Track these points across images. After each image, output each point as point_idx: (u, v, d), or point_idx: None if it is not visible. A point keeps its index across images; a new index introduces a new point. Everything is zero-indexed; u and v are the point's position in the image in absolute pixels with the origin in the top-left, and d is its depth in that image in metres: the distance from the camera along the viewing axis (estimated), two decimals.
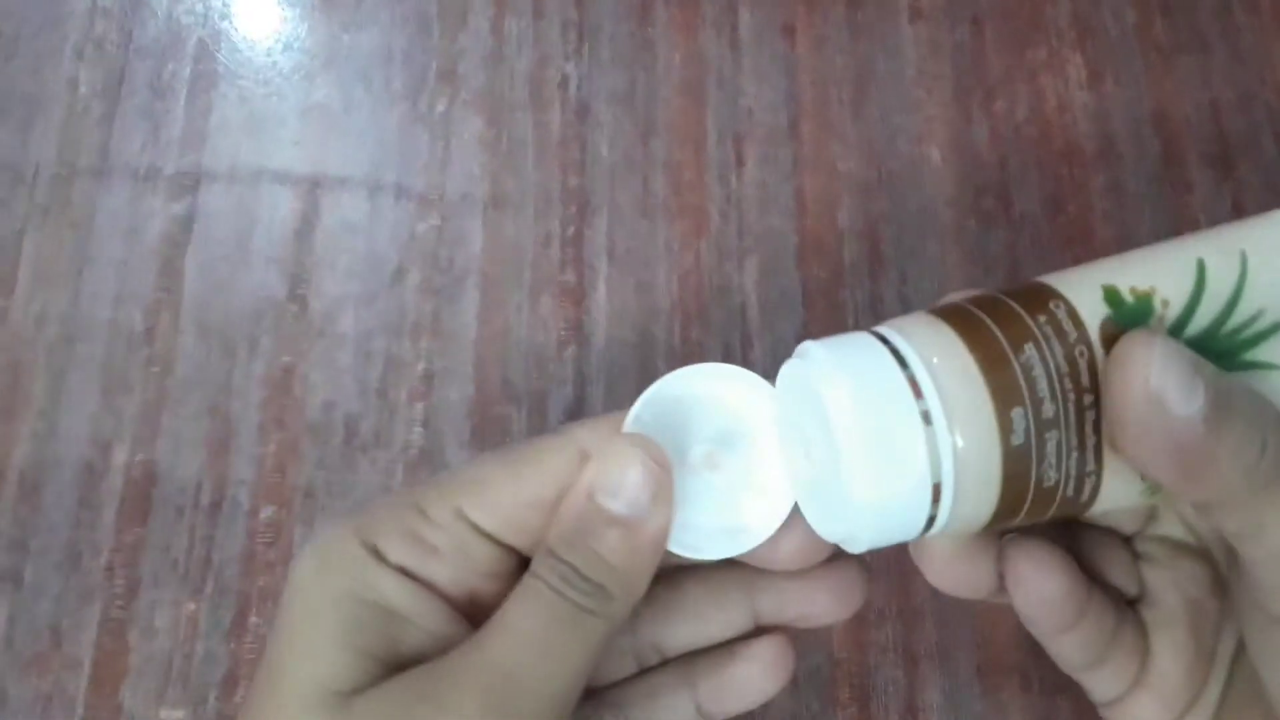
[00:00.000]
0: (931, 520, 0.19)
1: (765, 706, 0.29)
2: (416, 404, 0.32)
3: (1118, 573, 0.25)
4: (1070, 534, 0.25)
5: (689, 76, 0.35)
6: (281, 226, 0.33)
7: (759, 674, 0.25)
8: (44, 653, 0.29)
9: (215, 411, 0.32)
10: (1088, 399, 0.19)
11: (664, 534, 0.22)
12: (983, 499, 0.19)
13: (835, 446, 0.19)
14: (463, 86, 0.35)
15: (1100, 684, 0.25)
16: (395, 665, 0.21)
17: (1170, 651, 0.24)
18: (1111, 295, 0.20)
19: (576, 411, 0.32)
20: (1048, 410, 0.19)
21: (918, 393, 0.19)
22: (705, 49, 0.35)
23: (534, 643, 0.21)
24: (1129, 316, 0.20)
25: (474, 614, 0.23)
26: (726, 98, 0.35)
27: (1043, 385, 0.19)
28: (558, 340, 0.32)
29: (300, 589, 0.22)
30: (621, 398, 0.32)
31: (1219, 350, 0.20)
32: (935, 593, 0.29)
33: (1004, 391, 0.19)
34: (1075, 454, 0.19)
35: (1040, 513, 0.20)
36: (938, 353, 0.19)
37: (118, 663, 0.29)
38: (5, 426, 0.31)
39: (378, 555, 0.22)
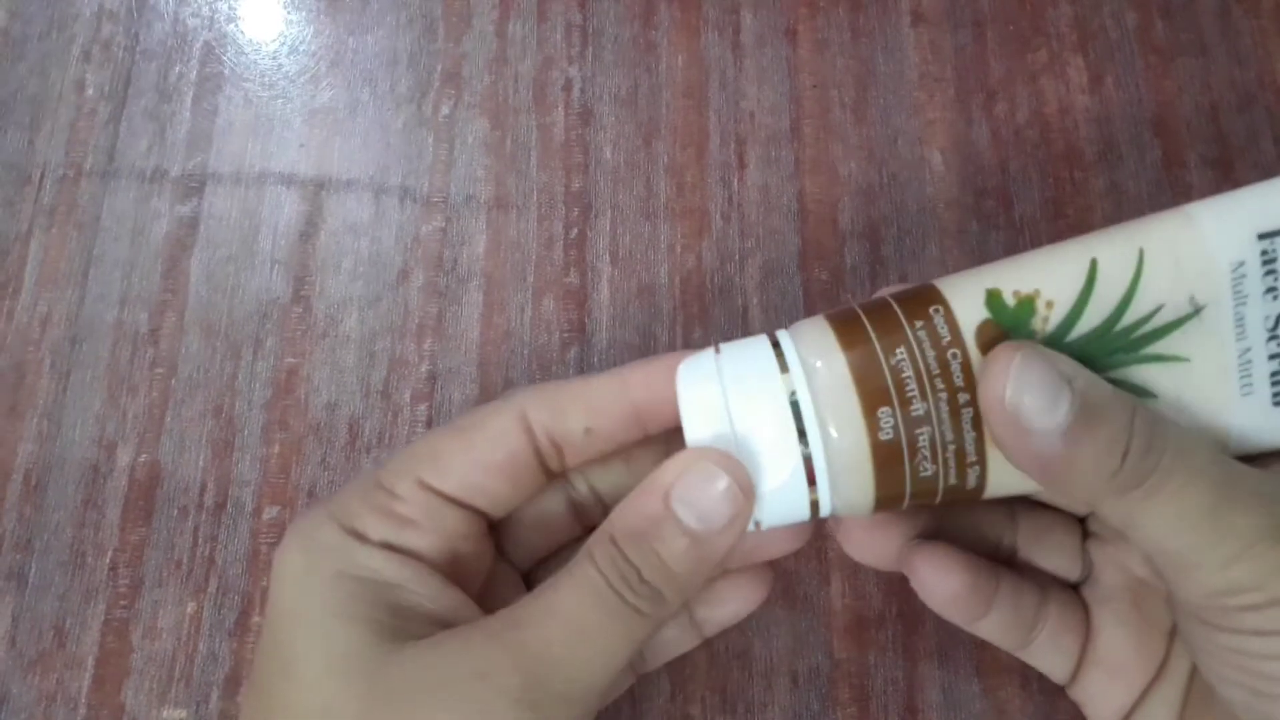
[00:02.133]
0: (816, 505, 0.21)
1: (765, 706, 0.29)
2: (420, 405, 0.32)
3: (1056, 556, 0.26)
4: (1013, 514, 0.26)
5: (691, 79, 0.35)
6: (286, 228, 0.34)
7: (748, 583, 0.26)
8: (47, 652, 0.29)
9: (219, 412, 0.32)
10: (962, 398, 0.20)
11: (729, 552, 0.22)
12: (860, 488, 0.21)
13: (725, 439, 0.21)
14: (467, 89, 0.35)
15: (1045, 664, 0.26)
16: (406, 629, 0.21)
17: (1113, 626, 0.25)
18: (994, 299, 0.21)
19: None
20: (917, 409, 0.20)
21: (794, 394, 0.21)
22: (707, 52, 0.35)
23: (582, 632, 0.21)
24: (1010, 319, 0.21)
25: (460, 578, 0.24)
26: (728, 100, 0.35)
27: (912, 386, 0.20)
28: (561, 341, 0.32)
29: (291, 579, 0.22)
30: None
31: (1116, 347, 0.21)
32: None
33: (872, 393, 0.20)
34: (952, 448, 0.21)
35: (928, 498, 0.21)
36: (819, 356, 0.21)
37: (121, 662, 0.29)
38: (10, 426, 0.31)
39: (358, 535, 0.23)
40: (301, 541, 0.23)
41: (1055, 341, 0.21)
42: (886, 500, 0.21)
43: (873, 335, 0.21)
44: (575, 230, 0.34)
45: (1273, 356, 0.21)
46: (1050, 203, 0.33)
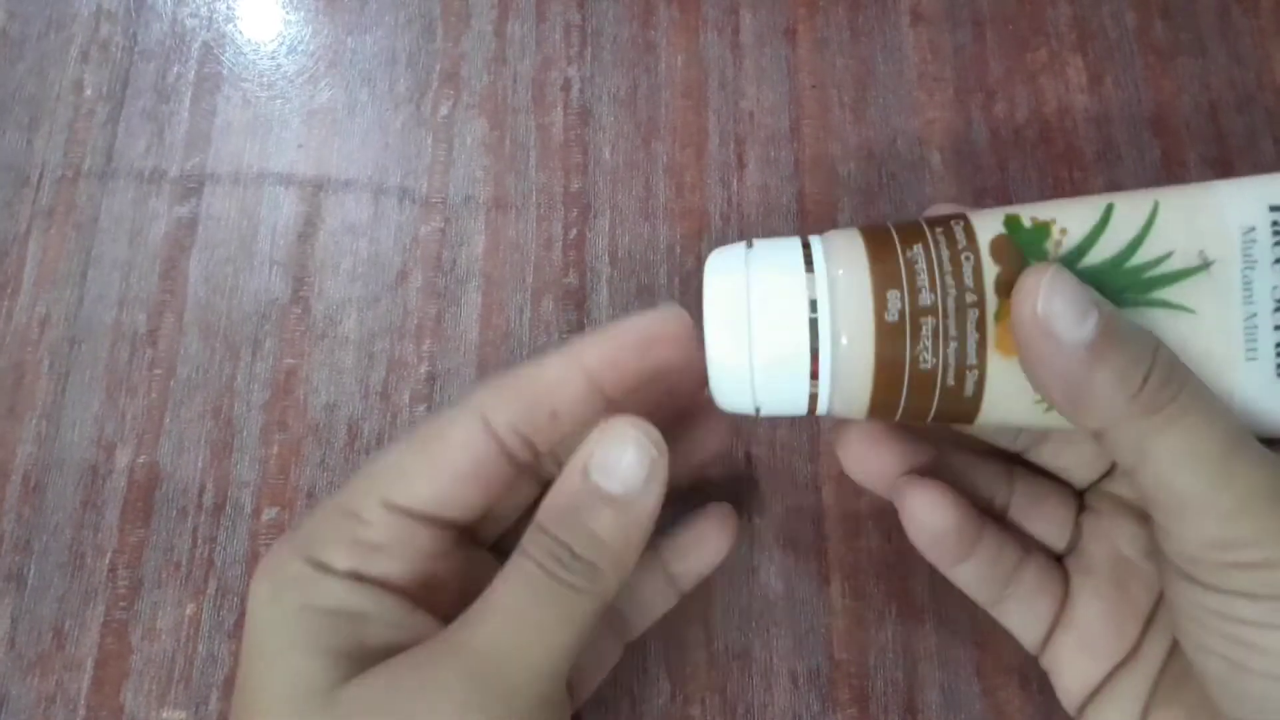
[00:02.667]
0: (815, 399, 0.22)
1: (765, 706, 0.29)
2: (419, 406, 0.32)
3: (1046, 523, 0.27)
4: (1011, 476, 0.26)
5: (690, 79, 0.35)
6: (285, 229, 0.34)
7: (714, 529, 0.27)
8: (46, 653, 0.29)
9: (218, 413, 0.32)
10: (970, 297, 0.21)
11: (655, 513, 0.22)
12: (860, 371, 0.21)
13: (735, 320, 0.22)
14: (465, 89, 0.35)
15: (1016, 623, 0.26)
16: (367, 660, 0.21)
17: (1090, 599, 0.26)
18: (1011, 220, 0.22)
19: None
20: (925, 298, 0.21)
21: (813, 287, 0.22)
22: (707, 52, 0.35)
23: (522, 622, 0.21)
24: (1025, 238, 0.22)
25: (433, 598, 0.23)
26: (728, 100, 0.35)
27: (923, 277, 0.21)
28: (560, 342, 0.32)
29: (258, 612, 0.22)
30: None
31: (1124, 284, 0.21)
32: (934, 593, 0.29)
33: (884, 276, 0.21)
34: (954, 344, 0.21)
35: (923, 399, 0.22)
36: (843, 261, 0.22)
37: (120, 663, 0.29)
38: (9, 427, 0.31)
39: (322, 567, 0.22)
40: (269, 573, 0.23)
41: (1067, 265, 0.21)
42: (883, 398, 0.22)
43: (895, 237, 0.22)
44: (574, 231, 0.34)
45: (1278, 328, 0.21)
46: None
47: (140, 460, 0.31)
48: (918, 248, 0.22)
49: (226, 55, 0.36)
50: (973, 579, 0.26)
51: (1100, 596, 0.25)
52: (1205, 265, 0.21)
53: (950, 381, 0.22)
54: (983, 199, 0.33)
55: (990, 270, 0.21)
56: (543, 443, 0.24)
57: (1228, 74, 0.35)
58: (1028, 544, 0.26)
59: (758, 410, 0.23)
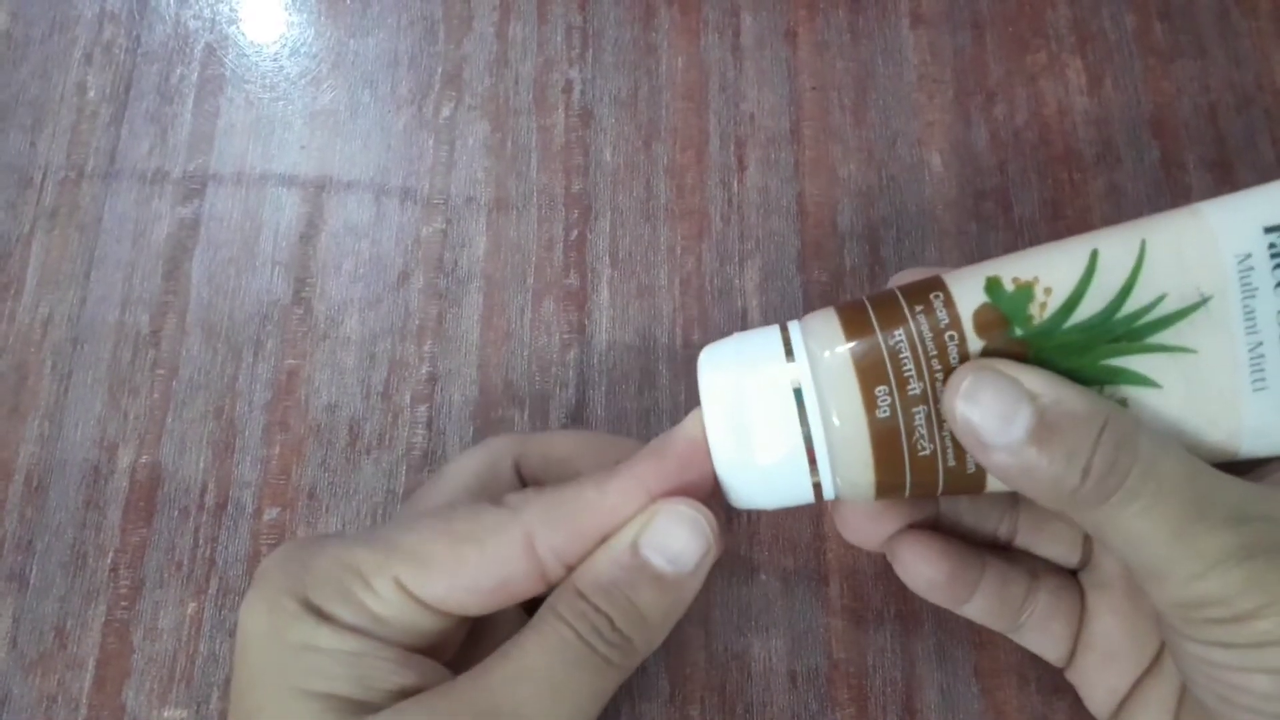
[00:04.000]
0: (819, 488, 0.22)
1: (764, 706, 0.29)
2: (420, 406, 0.32)
3: (1054, 544, 0.27)
4: (1015, 500, 0.27)
5: (691, 81, 0.35)
6: (287, 230, 0.34)
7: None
8: (48, 653, 0.29)
9: (220, 413, 0.32)
10: None
11: (694, 596, 0.22)
12: (860, 467, 0.21)
13: (730, 421, 0.22)
14: (467, 91, 0.35)
15: (1037, 647, 0.26)
16: (366, 705, 0.21)
17: (1107, 614, 0.26)
18: (993, 285, 0.21)
19: (578, 414, 0.32)
20: (914, 388, 0.21)
21: (795, 375, 0.21)
22: (707, 54, 0.36)
23: (547, 685, 0.21)
24: (1008, 304, 0.21)
25: (432, 650, 0.23)
26: (728, 102, 0.35)
27: (909, 366, 0.21)
28: (560, 343, 0.32)
29: (255, 640, 0.22)
30: (622, 400, 0.32)
31: (1118, 334, 0.21)
32: None
33: (870, 372, 0.21)
34: (949, 427, 0.21)
35: (929, 484, 0.22)
36: (824, 344, 0.21)
37: (121, 663, 0.29)
38: (12, 427, 0.31)
39: (321, 615, 0.22)
40: (268, 602, 0.22)
41: (1053, 328, 0.21)
42: (887, 483, 0.22)
43: (874, 321, 0.21)
44: (575, 232, 0.34)
45: None
46: (1049, 204, 0.33)
47: (142, 460, 0.31)
48: (899, 333, 0.21)
49: (229, 57, 0.36)
50: (982, 614, 0.26)
51: (1116, 611, 0.25)
52: (1203, 302, 0.20)
53: (951, 462, 0.21)
54: (982, 200, 0.33)
55: (975, 345, 0.21)
56: (578, 562, 0.22)
57: (1227, 76, 0.35)
58: (1037, 569, 0.26)
59: (771, 507, 0.23)
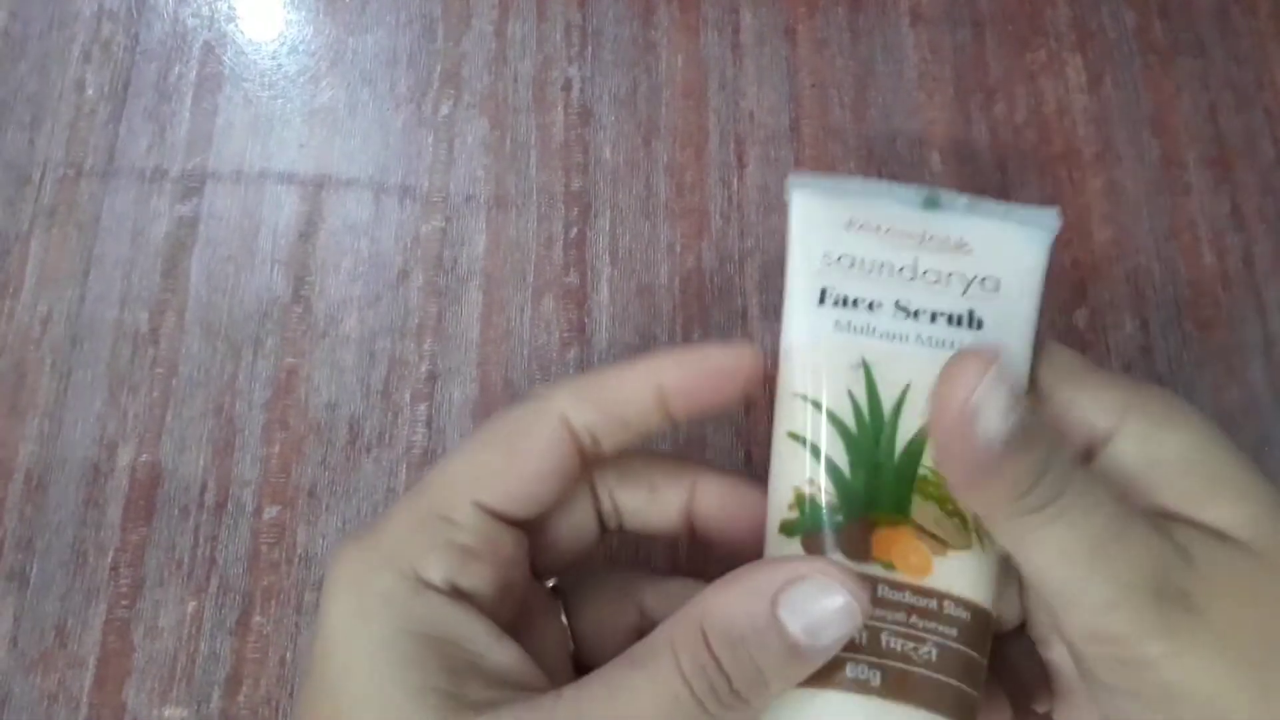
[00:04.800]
0: None
1: None
2: (420, 404, 0.32)
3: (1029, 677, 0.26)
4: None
5: (691, 79, 0.35)
6: (286, 228, 0.34)
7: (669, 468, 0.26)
8: (49, 651, 0.29)
9: (220, 412, 0.32)
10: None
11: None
12: None
13: None
14: (466, 89, 0.35)
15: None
16: (460, 697, 0.20)
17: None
18: (785, 528, 0.23)
19: None
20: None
21: None
22: (707, 51, 0.35)
23: None
24: (805, 520, 0.23)
25: (507, 614, 0.23)
26: (728, 100, 0.35)
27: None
28: (560, 341, 0.32)
29: (344, 630, 0.21)
30: None
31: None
32: None
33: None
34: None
35: None
36: None
37: (122, 661, 0.29)
38: (11, 426, 0.31)
39: (420, 580, 0.21)
40: (355, 586, 0.22)
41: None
42: None
43: None
44: (575, 230, 0.34)
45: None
46: (1049, 202, 0.33)
47: (142, 459, 0.31)
48: None
49: (228, 55, 0.36)
50: None
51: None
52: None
53: None
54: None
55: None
56: (610, 447, 0.24)
57: (1226, 74, 0.35)
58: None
59: None
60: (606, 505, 0.26)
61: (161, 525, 0.31)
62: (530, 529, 0.24)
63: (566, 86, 0.35)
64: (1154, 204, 0.33)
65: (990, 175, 0.34)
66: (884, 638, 0.22)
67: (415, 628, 0.21)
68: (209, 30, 0.36)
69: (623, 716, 0.20)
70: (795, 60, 0.35)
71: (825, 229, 0.24)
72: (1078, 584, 0.20)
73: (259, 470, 0.31)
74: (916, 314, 0.24)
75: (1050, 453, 0.20)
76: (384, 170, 0.34)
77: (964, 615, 0.22)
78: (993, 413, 0.19)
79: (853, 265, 0.24)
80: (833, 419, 0.23)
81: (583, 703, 0.20)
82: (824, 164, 0.34)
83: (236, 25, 0.36)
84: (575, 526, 0.25)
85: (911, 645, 0.22)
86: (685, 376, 0.23)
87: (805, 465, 0.23)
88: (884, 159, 0.34)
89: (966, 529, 0.23)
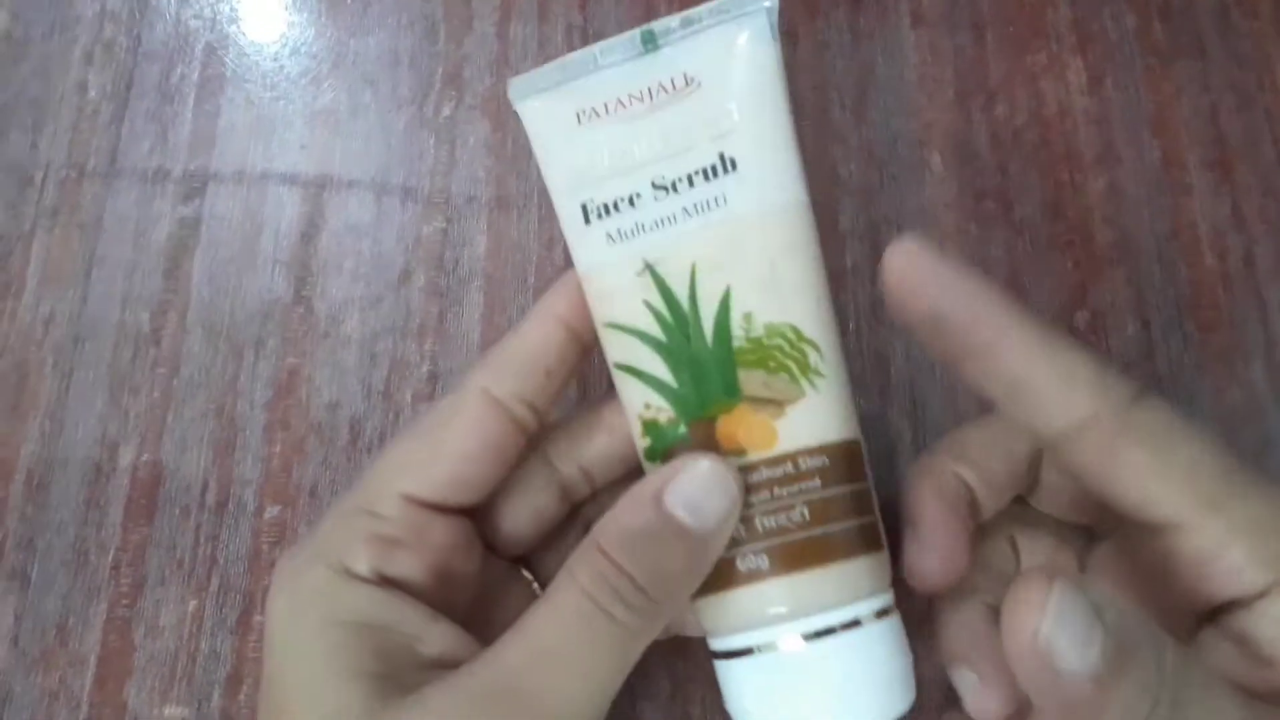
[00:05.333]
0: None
1: None
2: (421, 405, 0.32)
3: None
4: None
5: None
6: (288, 229, 0.34)
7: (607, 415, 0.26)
8: (50, 650, 0.29)
9: (221, 412, 0.32)
10: None
11: (716, 558, 0.22)
12: None
13: None
14: (468, 91, 0.35)
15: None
16: (392, 680, 0.21)
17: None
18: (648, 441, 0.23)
19: None
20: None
21: None
22: None
23: (571, 668, 0.20)
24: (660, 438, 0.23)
25: (451, 600, 0.23)
26: None
27: None
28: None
29: (279, 627, 0.22)
30: None
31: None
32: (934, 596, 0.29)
33: None
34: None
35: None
36: None
37: (123, 660, 0.29)
38: (13, 426, 0.32)
39: (345, 571, 0.22)
40: (288, 585, 0.22)
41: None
42: None
43: None
44: None
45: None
46: (1049, 204, 0.33)
47: (143, 459, 0.31)
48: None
49: (230, 56, 0.36)
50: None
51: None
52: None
53: None
54: (983, 200, 0.33)
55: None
56: (543, 403, 0.24)
57: (1227, 76, 0.35)
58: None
59: None
60: (569, 472, 0.25)
61: (163, 525, 0.31)
62: (481, 512, 0.24)
63: None
64: (1155, 205, 0.33)
65: (991, 177, 0.34)
66: (757, 521, 0.22)
67: (345, 617, 0.21)
68: (211, 32, 0.36)
69: (535, 651, 0.20)
70: (796, 62, 0.35)
71: (560, 138, 0.24)
72: None
73: (260, 470, 0.31)
74: (675, 185, 0.23)
75: (1161, 666, 0.18)
76: (386, 171, 0.34)
77: (820, 461, 0.22)
78: (1068, 647, 0.17)
79: (599, 166, 0.23)
80: (641, 336, 0.23)
81: (501, 655, 0.21)
82: (825, 165, 0.34)
83: (239, 27, 0.36)
84: (533, 502, 0.25)
85: (783, 516, 0.22)
86: (575, 297, 0.24)
87: (638, 392, 0.23)
88: (885, 161, 0.34)
89: (795, 377, 0.22)
